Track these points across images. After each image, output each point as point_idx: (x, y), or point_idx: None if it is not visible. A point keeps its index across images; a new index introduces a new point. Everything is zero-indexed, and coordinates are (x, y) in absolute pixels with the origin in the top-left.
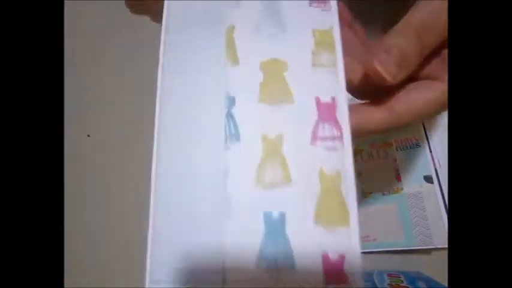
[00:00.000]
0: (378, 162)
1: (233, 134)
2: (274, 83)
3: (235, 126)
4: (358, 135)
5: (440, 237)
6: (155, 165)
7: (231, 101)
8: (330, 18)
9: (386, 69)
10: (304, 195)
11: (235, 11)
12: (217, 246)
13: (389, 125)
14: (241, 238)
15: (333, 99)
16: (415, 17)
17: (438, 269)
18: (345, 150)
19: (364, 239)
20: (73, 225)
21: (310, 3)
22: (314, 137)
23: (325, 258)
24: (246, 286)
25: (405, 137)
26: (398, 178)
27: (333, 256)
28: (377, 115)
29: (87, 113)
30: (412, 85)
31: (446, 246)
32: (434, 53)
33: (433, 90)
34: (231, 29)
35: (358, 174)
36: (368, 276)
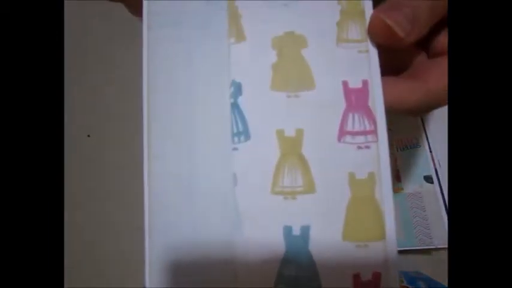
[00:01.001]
0: None
1: (241, 131)
2: (290, 64)
3: (243, 120)
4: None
5: (440, 237)
6: (147, 170)
7: (237, 89)
8: None
9: (398, 24)
10: (330, 205)
11: None
12: (228, 267)
13: (425, 103)
14: (256, 257)
15: (365, 83)
16: None
17: (438, 269)
18: (379, 146)
19: None
20: (73, 226)
21: None
22: (341, 132)
23: (356, 278)
24: None
25: (405, 137)
26: (398, 178)
27: (365, 275)
28: (408, 90)
29: (87, 113)
30: (444, 59)
31: (446, 246)
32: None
33: None
34: None
35: None
36: None
